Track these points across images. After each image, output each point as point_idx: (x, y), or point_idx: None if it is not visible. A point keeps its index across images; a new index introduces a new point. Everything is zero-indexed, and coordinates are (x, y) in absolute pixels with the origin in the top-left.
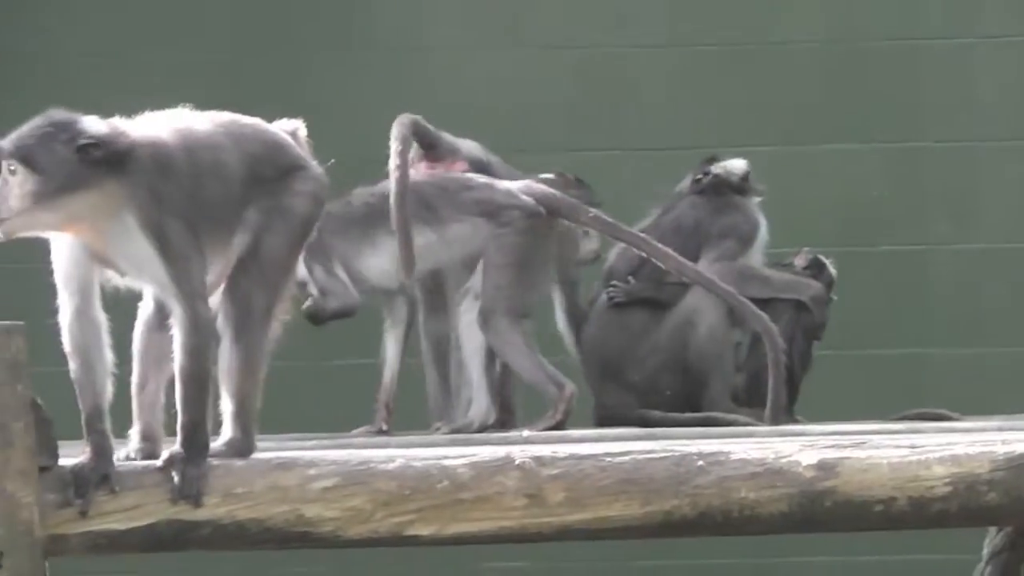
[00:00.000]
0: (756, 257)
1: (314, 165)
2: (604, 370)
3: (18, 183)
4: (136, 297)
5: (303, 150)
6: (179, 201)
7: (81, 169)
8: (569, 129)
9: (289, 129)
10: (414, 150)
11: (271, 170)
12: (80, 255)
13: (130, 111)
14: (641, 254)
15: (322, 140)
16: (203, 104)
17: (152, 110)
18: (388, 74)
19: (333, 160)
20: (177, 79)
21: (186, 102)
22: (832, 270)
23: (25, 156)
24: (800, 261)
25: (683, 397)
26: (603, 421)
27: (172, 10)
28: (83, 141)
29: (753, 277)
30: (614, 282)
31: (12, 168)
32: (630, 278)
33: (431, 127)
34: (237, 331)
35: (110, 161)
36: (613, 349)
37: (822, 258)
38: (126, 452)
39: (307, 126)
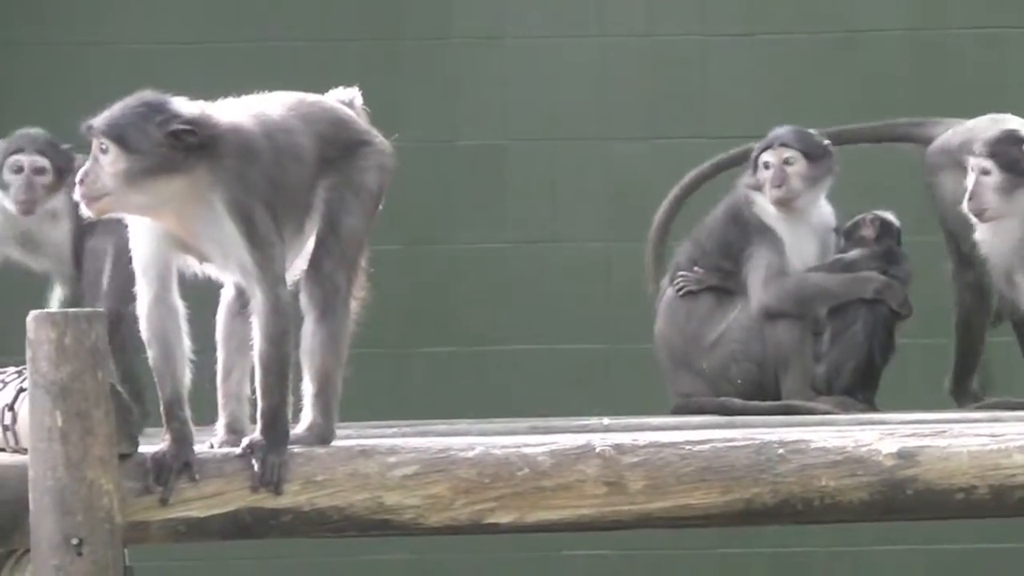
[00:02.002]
0: (807, 247)
1: (378, 136)
2: (674, 359)
3: (110, 162)
4: (215, 284)
5: (363, 120)
6: (262, 186)
7: (172, 152)
8: (652, 118)
9: (346, 99)
10: None
11: (339, 147)
12: (159, 242)
13: (208, 99)
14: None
15: (402, 129)
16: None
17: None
18: (468, 64)
19: (397, 135)
20: (254, 66)
21: (263, 89)
22: (896, 222)
23: (119, 135)
24: (868, 232)
25: (756, 385)
26: (679, 410)
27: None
28: (177, 125)
29: (812, 295)
30: (682, 273)
31: (104, 147)
32: (696, 268)
33: None
34: (323, 311)
35: (202, 145)
36: (681, 338)
37: (887, 216)
38: (210, 443)
39: (388, 116)
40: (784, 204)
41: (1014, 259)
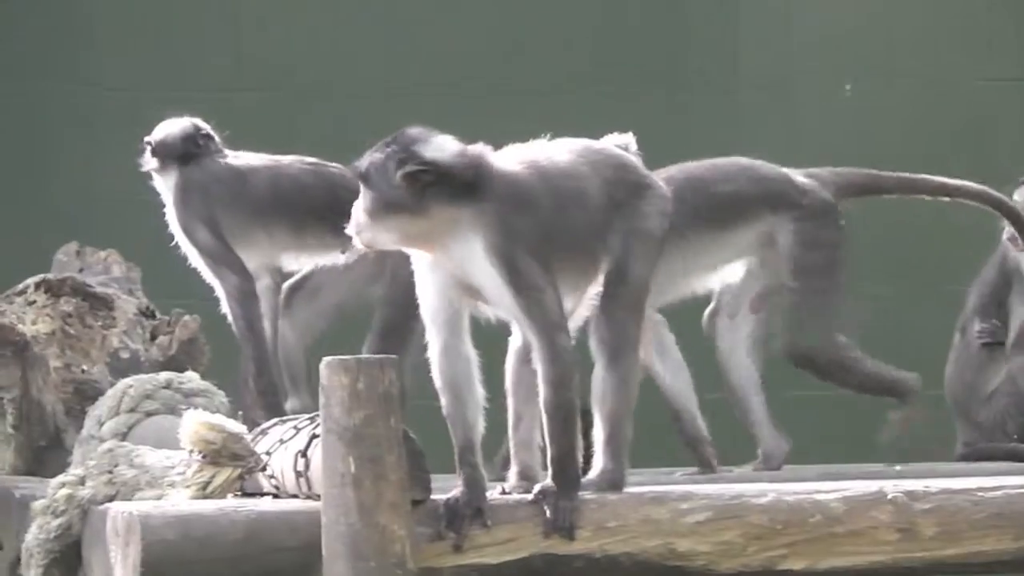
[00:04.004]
0: None
1: (658, 181)
2: (957, 408)
3: (361, 199)
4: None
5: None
6: (534, 234)
7: (408, 192)
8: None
9: (621, 144)
10: None
11: (623, 193)
12: (444, 289)
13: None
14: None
15: None
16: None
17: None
18: (753, 112)
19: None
20: (539, 112)
21: (549, 133)
22: None
23: (362, 173)
24: None
25: None
26: (964, 458)
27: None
28: (412, 167)
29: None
30: (983, 324)
31: (358, 184)
32: (994, 321)
33: None
34: (613, 357)
35: (452, 187)
36: (961, 387)
37: None
38: (502, 488)
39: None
40: None
41: None
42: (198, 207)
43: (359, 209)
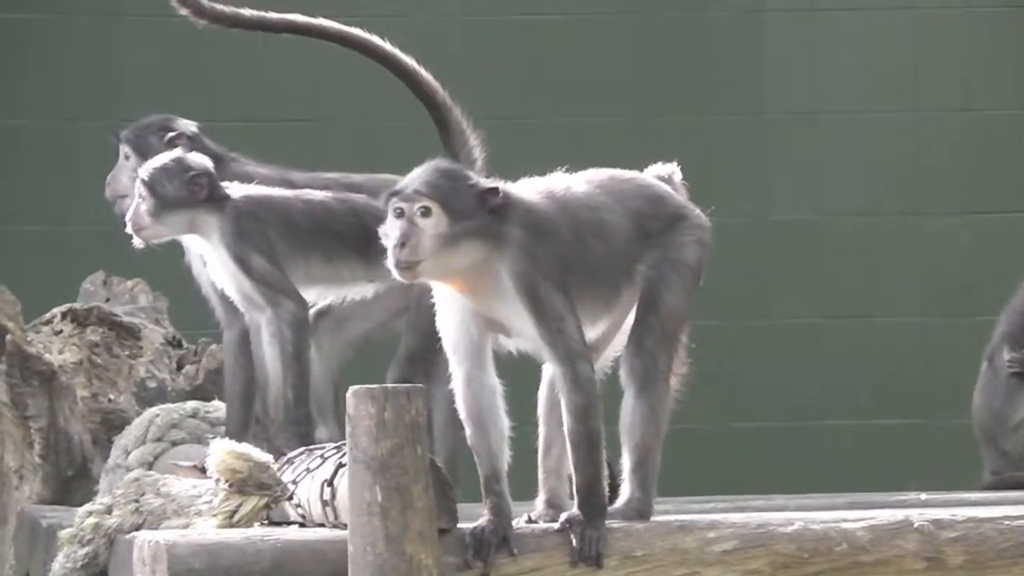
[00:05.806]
0: None
1: (696, 211)
2: (985, 437)
3: (432, 225)
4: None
5: (681, 195)
6: (555, 264)
7: (483, 215)
8: (967, 192)
9: (664, 174)
10: None
11: (656, 223)
12: (465, 321)
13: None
14: None
15: (718, 204)
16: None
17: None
18: (783, 140)
19: (713, 207)
20: (573, 142)
21: (583, 165)
22: None
23: (444, 198)
24: None
25: None
26: (991, 486)
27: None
28: (484, 186)
29: None
30: (1013, 354)
31: (424, 209)
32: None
33: None
34: (642, 386)
35: (497, 213)
36: (989, 416)
37: None
38: (528, 516)
39: (703, 191)
40: None
41: None
42: (255, 235)
43: (426, 236)
